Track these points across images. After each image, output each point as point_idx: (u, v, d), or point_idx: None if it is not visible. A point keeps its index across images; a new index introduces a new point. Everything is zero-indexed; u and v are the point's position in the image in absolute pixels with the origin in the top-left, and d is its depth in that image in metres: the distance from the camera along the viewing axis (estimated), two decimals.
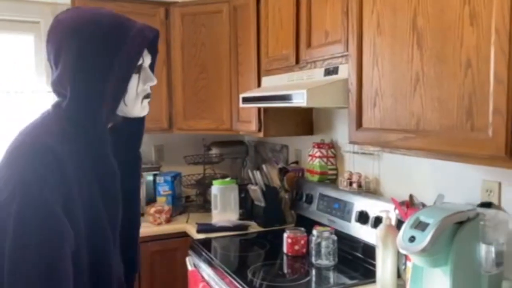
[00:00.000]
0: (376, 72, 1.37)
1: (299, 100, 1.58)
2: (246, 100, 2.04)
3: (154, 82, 1.10)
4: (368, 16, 1.40)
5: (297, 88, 1.63)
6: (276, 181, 2.50)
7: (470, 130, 1.08)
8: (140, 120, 1.16)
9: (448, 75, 1.13)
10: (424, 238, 1.19)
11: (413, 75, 1.24)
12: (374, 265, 1.58)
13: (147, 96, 1.09)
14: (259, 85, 2.22)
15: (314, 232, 1.83)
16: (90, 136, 1.00)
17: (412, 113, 1.25)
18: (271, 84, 2.07)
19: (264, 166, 2.52)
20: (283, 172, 2.47)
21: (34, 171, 0.89)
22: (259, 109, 2.24)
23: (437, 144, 1.16)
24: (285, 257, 1.95)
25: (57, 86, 1.02)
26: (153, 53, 1.12)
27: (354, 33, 1.46)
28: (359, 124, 1.45)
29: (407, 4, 1.25)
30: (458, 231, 1.22)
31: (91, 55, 0.97)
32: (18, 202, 0.86)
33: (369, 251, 1.75)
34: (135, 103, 1.07)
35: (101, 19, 1.01)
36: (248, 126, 2.35)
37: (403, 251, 1.26)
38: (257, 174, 2.42)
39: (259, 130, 2.27)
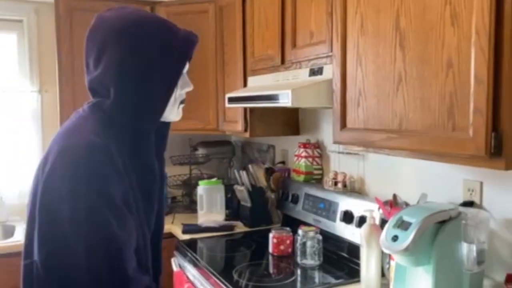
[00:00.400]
0: (360, 73, 1.38)
1: (284, 100, 1.59)
2: (232, 100, 2.04)
3: (191, 87, 1.10)
4: (352, 17, 1.41)
5: (282, 88, 1.63)
6: (262, 181, 2.50)
7: (451, 130, 1.08)
8: (168, 124, 1.14)
9: (430, 76, 1.14)
10: (407, 238, 1.19)
11: (396, 76, 1.24)
12: (359, 265, 1.59)
13: (183, 102, 1.10)
14: (245, 85, 2.22)
15: (300, 232, 1.83)
16: (135, 140, 0.98)
17: (395, 113, 1.25)
18: (257, 84, 2.07)
19: (250, 166, 2.52)
20: (269, 172, 2.47)
21: (96, 169, 0.88)
22: (245, 109, 2.24)
23: (419, 144, 1.17)
24: (270, 257, 1.95)
25: (97, 85, 1.00)
26: (189, 59, 1.09)
27: (338, 34, 1.46)
28: (343, 124, 1.46)
29: (390, 5, 1.26)
30: (440, 230, 1.23)
31: (140, 58, 0.96)
32: (86, 199, 0.86)
33: (354, 250, 1.76)
34: (173, 108, 1.07)
35: (149, 22, 1.00)
36: (234, 126, 2.35)
37: (386, 251, 1.27)
38: (243, 174, 2.42)
39: (245, 130, 2.27)
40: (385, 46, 1.28)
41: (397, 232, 1.23)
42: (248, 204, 2.41)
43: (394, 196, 1.60)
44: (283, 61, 1.87)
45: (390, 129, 1.27)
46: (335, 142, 1.52)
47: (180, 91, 1.07)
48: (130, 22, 0.99)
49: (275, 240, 1.95)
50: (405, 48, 1.21)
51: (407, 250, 1.19)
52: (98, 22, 1.01)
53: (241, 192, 2.42)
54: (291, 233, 1.95)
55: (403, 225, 1.24)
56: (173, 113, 1.08)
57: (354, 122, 1.42)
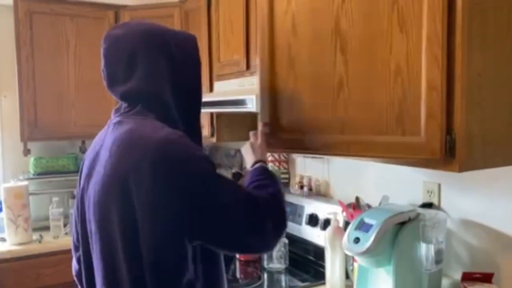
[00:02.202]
0: (292, 76, 1.33)
1: (249, 105, 1.59)
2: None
3: None
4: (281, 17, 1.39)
5: (248, 93, 1.63)
6: None
7: (401, 135, 1.08)
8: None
9: (376, 81, 1.11)
10: (368, 239, 1.22)
11: (336, 80, 1.20)
12: (324, 267, 1.61)
13: None
14: (211, 90, 2.21)
15: None
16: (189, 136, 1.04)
17: (336, 119, 1.21)
18: (223, 89, 2.07)
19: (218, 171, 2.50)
20: (237, 176, 2.46)
21: (191, 150, 0.98)
22: (211, 114, 2.23)
23: (367, 150, 1.14)
24: (238, 262, 1.94)
25: (135, 94, 1.05)
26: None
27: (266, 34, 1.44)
28: (277, 128, 1.38)
29: (327, 6, 1.22)
30: (399, 232, 1.26)
31: (170, 63, 1.06)
32: (202, 176, 0.97)
33: (319, 253, 1.78)
34: None
35: (163, 29, 1.10)
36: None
37: (348, 252, 1.29)
38: None
39: (212, 135, 2.26)
40: (323, 49, 1.23)
41: (359, 234, 1.26)
42: None
43: (357, 198, 1.63)
44: (248, 66, 1.88)
45: (332, 134, 1.23)
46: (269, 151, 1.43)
47: None
48: (149, 32, 1.07)
49: None
50: (347, 52, 1.17)
51: (368, 252, 1.21)
52: (113, 40, 1.07)
53: None
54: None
55: (365, 227, 1.26)
56: None
57: (289, 127, 1.35)
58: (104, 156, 1.02)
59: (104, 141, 1.05)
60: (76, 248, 1.17)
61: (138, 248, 0.94)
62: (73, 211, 1.21)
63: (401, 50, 1.06)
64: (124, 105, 1.08)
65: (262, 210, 1.02)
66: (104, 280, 1.00)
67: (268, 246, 1.07)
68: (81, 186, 1.09)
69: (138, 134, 0.98)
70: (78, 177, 1.15)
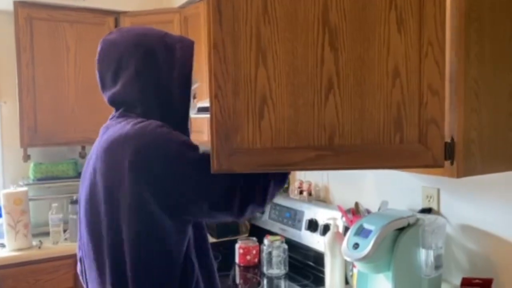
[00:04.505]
0: (263, 73, 1.05)
1: None
2: (201, 110, 2.03)
3: (198, 83, 1.24)
4: None
5: None
6: None
7: (399, 142, 1.02)
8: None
9: (373, 83, 1.02)
10: (367, 245, 1.22)
11: (324, 81, 1.03)
12: (324, 272, 1.60)
13: (194, 96, 1.23)
14: None
15: (265, 241, 1.84)
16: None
17: (323, 127, 1.03)
18: None
19: None
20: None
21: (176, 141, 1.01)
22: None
23: (362, 159, 1.03)
24: (237, 268, 1.94)
25: (120, 98, 1.08)
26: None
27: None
28: (232, 144, 1.05)
29: None
30: (399, 237, 1.26)
31: (154, 69, 1.07)
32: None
33: (319, 258, 1.78)
34: (191, 104, 1.19)
35: (151, 33, 1.11)
36: (200, 136, 2.34)
37: (347, 258, 1.29)
38: None
39: None
40: (306, 44, 1.03)
41: (358, 239, 1.26)
42: None
43: (356, 204, 1.63)
44: None
45: (318, 145, 1.02)
46: (219, 171, 1.04)
47: (192, 87, 1.19)
48: (140, 37, 1.09)
49: (241, 251, 1.94)
50: (338, 49, 1.02)
51: (367, 257, 1.21)
52: (107, 43, 1.09)
53: None
54: (257, 243, 1.96)
55: (364, 233, 1.26)
56: (191, 107, 1.19)
57: (253, 141, 1.04)
58: (92, 161, 1.05)
59: (95, 149, 1.08)
60: (80, 249, 1.19)
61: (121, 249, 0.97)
62: (73, 216, 1.24)
63: (399, 51, 1.00)
64: (114, 110, 1.11)
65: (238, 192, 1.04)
66: (98, 280, 1.02)
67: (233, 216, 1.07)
68: (80, 193, 1.14)
69: (118, 135, 1.00)
70: (79, 182, 1.19)
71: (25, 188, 2.40)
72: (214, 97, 1.05)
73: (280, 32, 1.05)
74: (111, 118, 1.11)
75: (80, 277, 1.21)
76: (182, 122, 1.14)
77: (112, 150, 0.98)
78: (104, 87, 1.11)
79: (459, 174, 1.05)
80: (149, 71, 1.07)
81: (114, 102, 1.10)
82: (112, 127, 1.05)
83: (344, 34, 1.04)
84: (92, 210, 1.02)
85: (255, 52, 1.06)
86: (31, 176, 2.58)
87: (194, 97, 1.23)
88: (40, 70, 2.46)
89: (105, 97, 1.12)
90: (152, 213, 0.95)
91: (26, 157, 2.53)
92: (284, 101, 1.06)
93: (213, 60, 1.06)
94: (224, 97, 1.06)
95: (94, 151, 1.07)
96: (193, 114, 1.23)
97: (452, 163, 1.05)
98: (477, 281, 1.25)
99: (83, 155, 2.78)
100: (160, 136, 0.99)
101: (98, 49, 1.10)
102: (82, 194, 1.08)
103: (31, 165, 2.58)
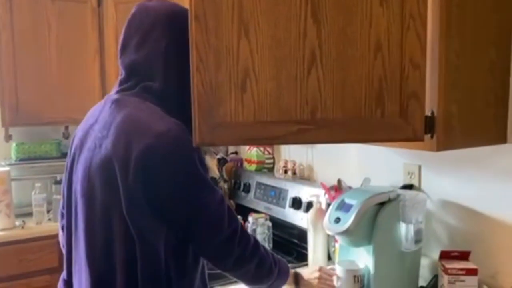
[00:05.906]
0: (246, 46, 1.02)
1: None
2: None
3: None
4: None
5: None
6: (215, 172, 2.50)
7: (380, 116, 1.03)
8: None
9: (355, 57, 1.02)
10: (348, 219, 1.24)
11: (306, 54, 1.02)
12: (307, 249, 1.63)
13: None
14: None
15: (250, 219, 1.85)
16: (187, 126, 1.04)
17: (305, 100, 1.03)
18: None
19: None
20: (221, 162, 2.47)
21: (185, 148, 1.03)
22: None
23: (343, 133, 1.05)
24: None
25: (140, 67, 1.06)
26: None
27: None
28: (214, 118, 1.03)
29: None
30: (379, 212, 1.28)
31: (182, 48, 1.00)
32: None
33: (302, 235, 1.80)
34: None
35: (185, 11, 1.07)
36: None
37: (329, 232, 1.31)
38: None
39: None
40: (289, 16, 1.02)
41: (339, 214, 1.27)
42: None
43: (339, 181, 1.64)
44: None
45: (300, 119, 1.03)
46: (201, 144, 1.06)
47: None
48: (176, 13, 1.08)
49: None
50: (321, 22, 1.01)
51: (348, 231, 1.23)
52: (143, 8, 1.08)
53: None
54: (242, 221, 1.97)
55: (345, 207, 1.28)
56: None
57: (236, 114, 1.03)
58: (98, 132, 1.02)
59: (99, 116, 1.05)
60: (62, 216, 1.19)
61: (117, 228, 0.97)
62: (57, 196, 1.24)
63: (381, 24, 1.01)
64: (125, 79, 1.08)
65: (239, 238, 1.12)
66: (88, 250, 1.02)
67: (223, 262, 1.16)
68: (72, 155, 1.10)
69: (137, 121, 1.00)
70: (64, 162, 1.17)
71: (7, 168, 2.37)
72: (195, 69, 1.03)
73: (262, 3, 1.04)
74: (122, 89, 1.07)
75: (61, 245, 1.21)
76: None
77: (131, 134, 0.98)
78: (124, 50, 1.08)
79: (439, 148, 1.07)
80: (177, 50, 1.05)
81: (131, 69, 1.08)
82: (129, 104, 1.03)
83: (327, 6, 1.03)
84: (90, 183, 1.01)
85: (237, 24, 1.04)
86: (13, 157, 2.55)
87: None
88: (21, 48, 2.41)
89: (121, 62, 1.09)
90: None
91: (8, 137, 2.50)
92: (266, 74, 1.05)
93: (195, 31, 1.03)
94: (206, 69, 1.04)
95: (98, 120, 1.05)
96: None
97: (432, 137, 1.06)
98: (455, 253, 1.28)
99: (66, 136, 2.75)
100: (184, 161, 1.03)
101: (133, 11, 1.09)
102: (80, 165, 1.05)
103: (13, 145, 2.54)
